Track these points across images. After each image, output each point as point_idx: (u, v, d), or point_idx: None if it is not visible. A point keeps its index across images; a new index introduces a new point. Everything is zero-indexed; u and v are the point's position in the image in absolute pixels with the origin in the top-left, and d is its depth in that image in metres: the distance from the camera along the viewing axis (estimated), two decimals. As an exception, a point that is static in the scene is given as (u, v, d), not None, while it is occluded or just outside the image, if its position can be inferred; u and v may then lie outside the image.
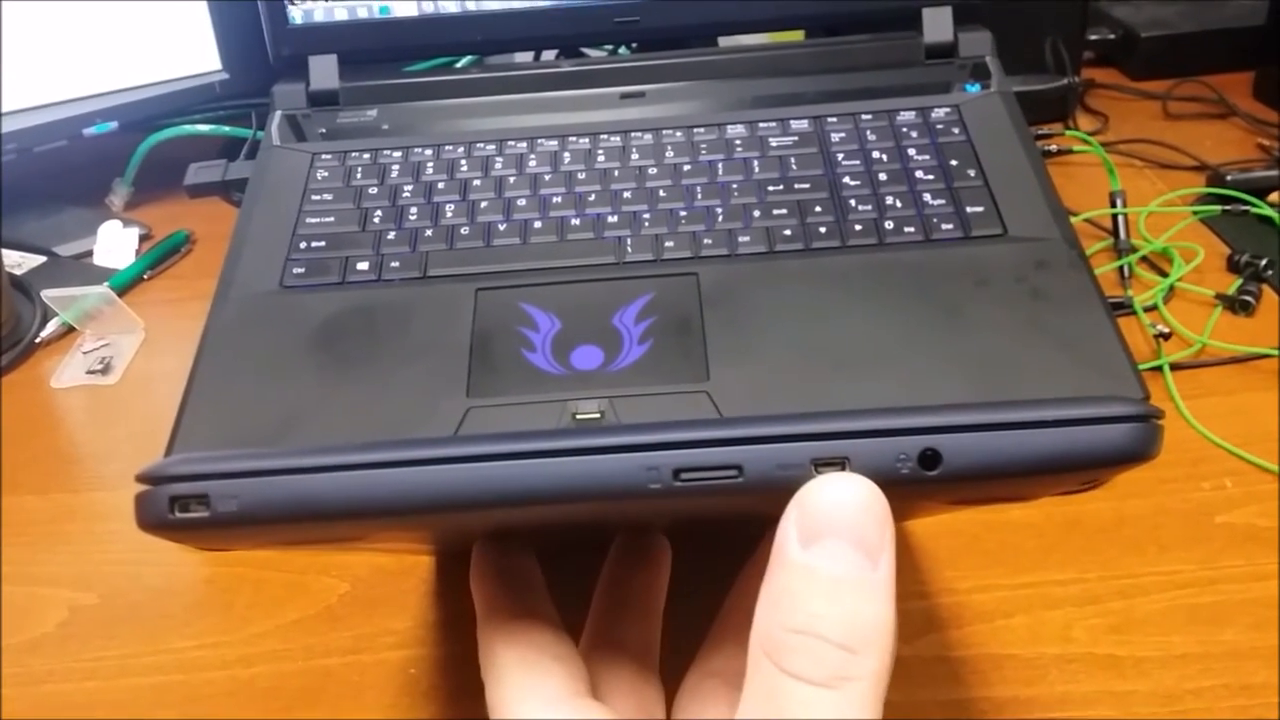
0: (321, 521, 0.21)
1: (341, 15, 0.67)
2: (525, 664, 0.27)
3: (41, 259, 0.74)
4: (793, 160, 0.58)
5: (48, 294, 0.64)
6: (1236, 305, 0.59)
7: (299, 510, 0.20)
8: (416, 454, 0.20)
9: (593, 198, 0.57)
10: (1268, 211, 0.66)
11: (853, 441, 0.20)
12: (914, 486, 0.20)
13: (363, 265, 0.55)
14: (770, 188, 0.57)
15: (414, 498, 0.20)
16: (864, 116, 0.61)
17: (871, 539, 0.20)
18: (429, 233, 0.56)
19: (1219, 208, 0.67)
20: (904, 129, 0.60)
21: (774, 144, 0.59)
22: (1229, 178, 0.69)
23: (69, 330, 0.66)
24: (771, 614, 0.21)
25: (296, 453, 0.21)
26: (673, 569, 0.35)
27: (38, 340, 0.65)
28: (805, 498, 0.20)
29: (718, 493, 0.20)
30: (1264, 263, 0.61)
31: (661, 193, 0.57)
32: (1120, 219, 0.65)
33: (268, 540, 0.25)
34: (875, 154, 0.58)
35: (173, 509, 0.21)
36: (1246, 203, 0.67)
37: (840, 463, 0.20)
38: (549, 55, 0.80)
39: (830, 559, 0.20)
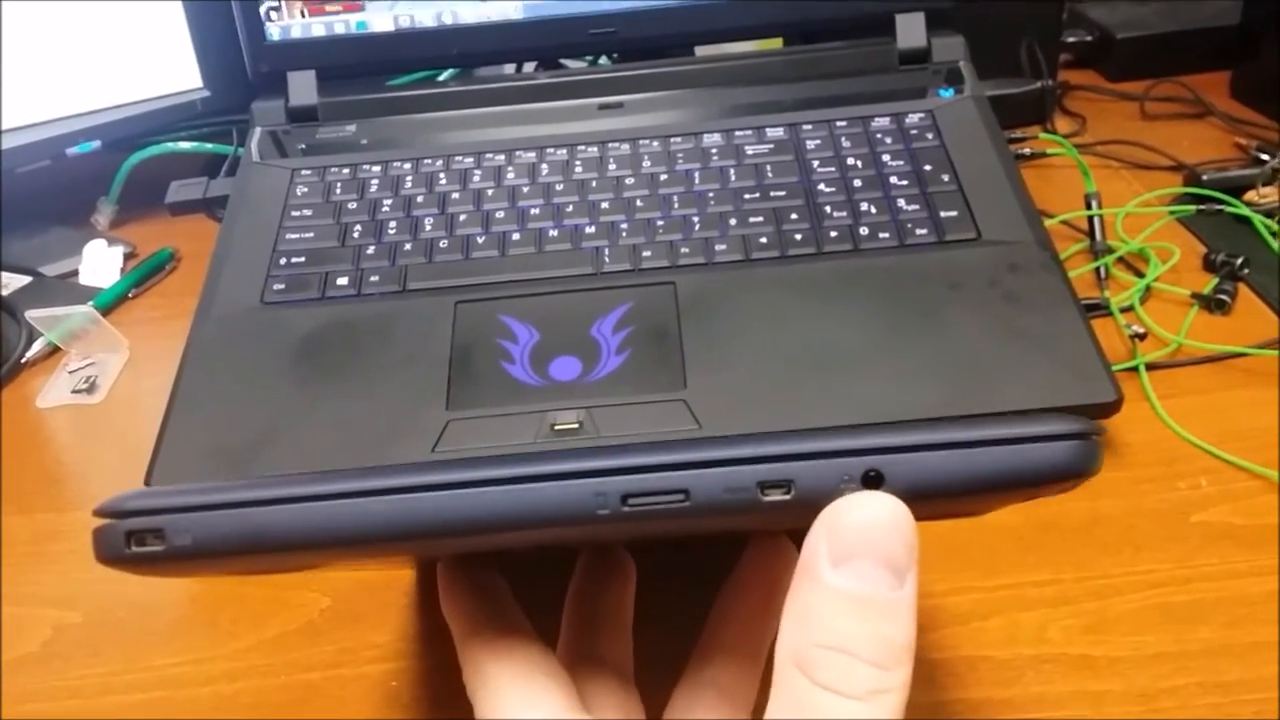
0: (272, 553, 0.21)
1: (319, 31, 0.68)
2: (521, 681, 0.27)
3: (27, 279, 0.75)
4: (769, 168, 0.59)
5: (32, 314, 0.65)
6: (1212, 304, 0.59)
7: (250, 543, 0.21)
8: (364, 485, 0.21)
9: (570, 209, 0.58)
10: (1243, 210, 0.66)
11: (798, 464, 0.20)
12: None
13: (342, 280, 0.55)
14: (746, 196, 0.57)
15: (361, 529, 0.21)
16: (839, 123, 0.61)
17: (900, 559, 0.21)
18: (408, 246, 0.57)
19: (1195, 208, 0.68)
20: (878, 135, 0.60)
21: (750, 152, 0.60)
22: (1205, 177, 0.69)
23: (54, 350, 0.66)
24: (802, 631, 0.21)
25: (247, 486, 0.21)
26: (655, 580, 0.35)
27: (23, 360, 0.65)
28: (835, 517, 0.21)
29: (665, 516, 0.21)
30: (1239, 261, 0.61)
31: (639, 203, 0.58)
32: (1096, 220, 0.65)
33: (226, 570, 0.25)
34: (850, 160, 0.59)
35: (129, 543, 0.21)
36: (1223, 202, 0.67)
37: (786, 485, 0.20)
38: (529, 68, 0.81)
39: (861, 579, 0.21)
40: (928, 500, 0.20)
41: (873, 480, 0.20)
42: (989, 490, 0.20)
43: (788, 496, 0.20)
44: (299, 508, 0.21)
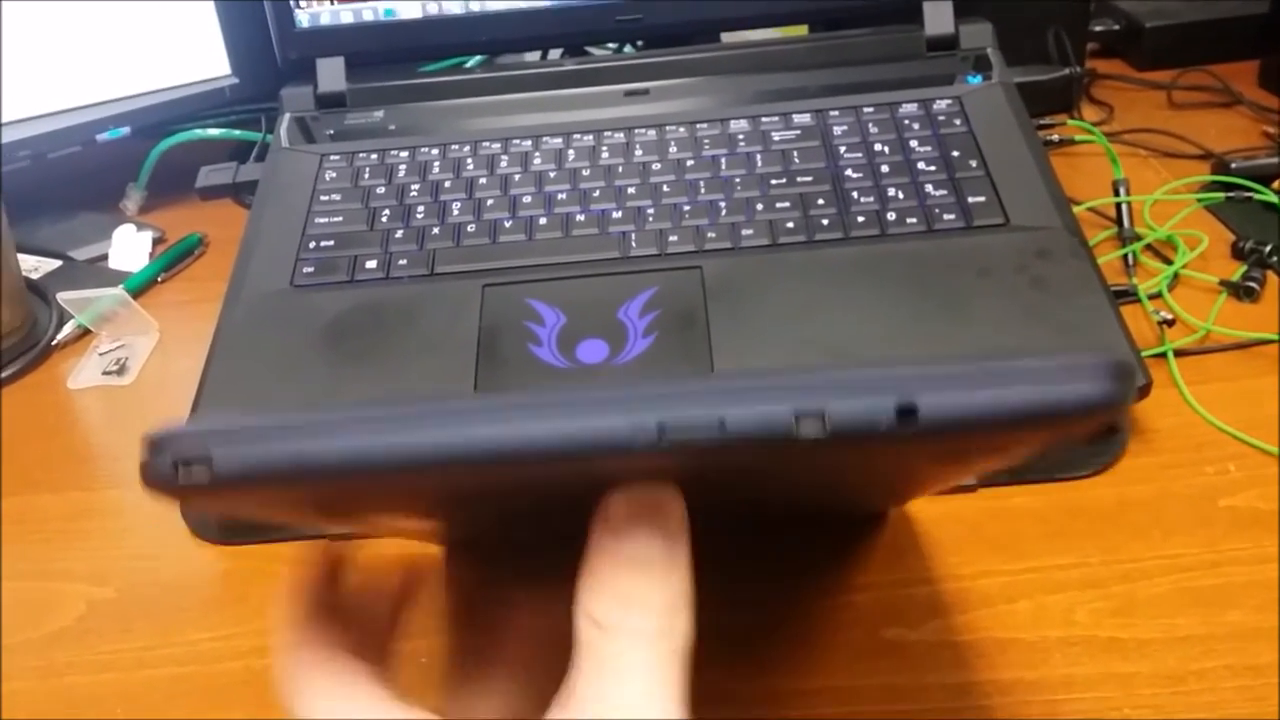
0: (319, 480, 0.21)
1: (347, 18, 0.68)
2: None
3: (57, 263, 0.75)
4: (795, 154, 0.59)
5: (63, 297, 0.65)
6: (1241, 291, 0.59)
7: (298, 470, 0.21)
8: (411, 412, 0.21)
9: (597, 194, 0.58)
10: (1272, 198, 0.66)
11: (833, 395, 0.21)
12: (892, 439, 0.21)
13: (371, 264, 0.56)
14: (773, 181, 0.57)
15: (407, 456, 0.21)
16: (866, 109, 0.61)
17: (672, 528, 0.24)
18: (436, 231, 0.57)
19: (1223, 195, 0.68)
20: (906, 121, 0.60)
21: (776, 138, 0.60)
22: (1233, 165, 0.69)
23: (85, 333, 0.67)
24: (597, 590, 0.24)
25: (296, 417, 0.21)
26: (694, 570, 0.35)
27: (54, 343, 0.66)
28: (610, 504, 0.24)
29: (701, 447, 0.21)
30: (1268, 249, 0.61)
31: (665, 188, 0.58)
32: (1124, 207, 0.65)
33: (273, 508, 0.25)
34: (877, 146, 0.59)
35: (176, 470, 0.21)
36: (1251, 190, 0.67)
37: (820, 416, 0.20)
38: (555, 54, 0.81)
39: (641, 545, 0.24)
40: (962, 433, 0.21)
41: (907, 412, 0.20)
42: (1023, 422, 0.20)
43: (822, 427, 0.20)
44: (346, 435, 0.21)
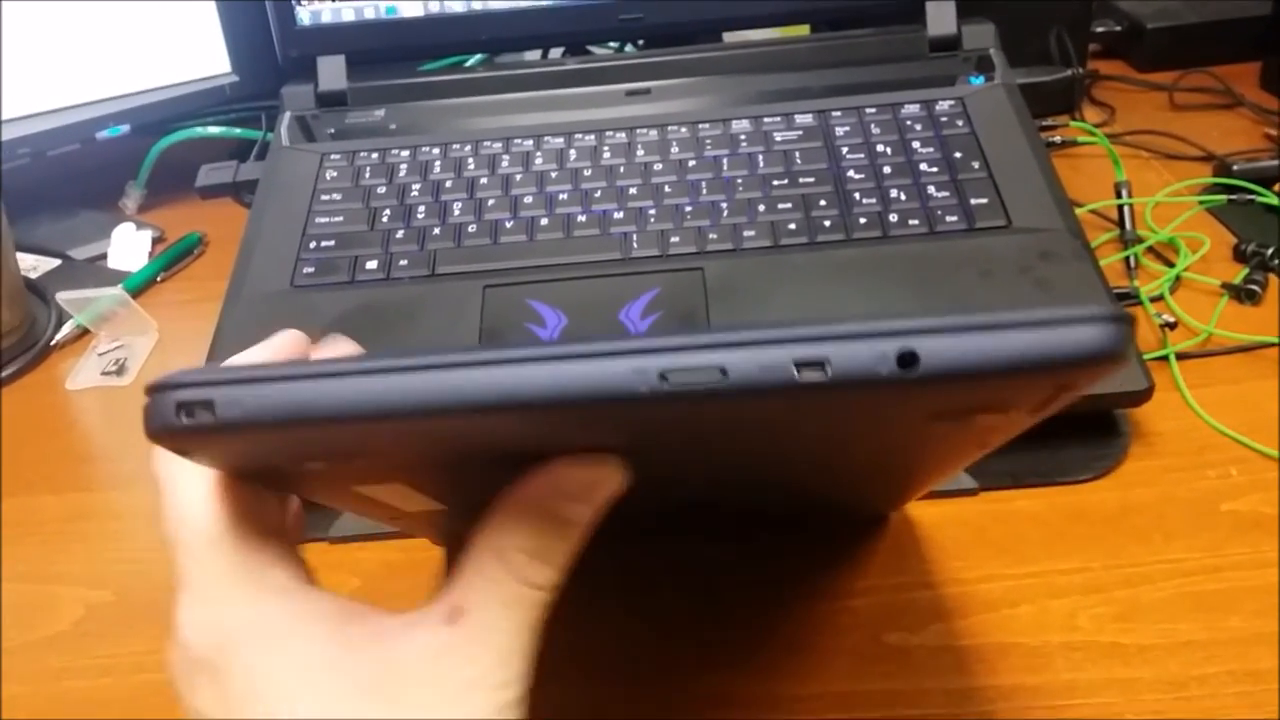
0: (324, 424, 0.21)
1: (349, 16, 0.68)
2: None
3: (56, 262, 0.75)
4: (797, 155, 0.59)
5: (62, 297, 0.65)
6: (1243, 294, 0.59)
7: (301, 414, 0.21)
8: (414, 361, 0.21)
9: (599, 194, 0.58)
10: (1274, 201, 0.66)
11: (833, 343, 0.21)
12: (893, 388, 0.21)
13: (372, 264, 0.56)
14: (775, 182, 0.57)
15: (409, 401, 0.21)
16: (868, 110, 0.61)
17: (597, 508, 0.26)
18: (437, 231, 0.57)
19: (1225, 197, 0.67)
20: (908, 122, 0.60)
21: (779, 139, 0.60)
22: (1235, 167, 0.69)
23: (84, 333, 0.67)
24: (504, 534, 0.26)
25: (299, 364, 0.21)
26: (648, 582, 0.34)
27: (53, 343, 0.66)
28: (560, 468, 0.25)
29: (702, 395, 0.21)
30: (1270, 252, 0.61)
31: (667, 189, 0.58)
32: (1125, 209, 0.65)
33: (280, 456, 0.25)
34: (879, 147, 0.58)
35: (179, 414, 0.21)
36: (1253, 192, 0.67)
37: (822, 364, 0.20)
38: (556, 53, 0.81)
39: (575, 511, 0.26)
40: (963, 382, 0.21)
41: (907, 360, 0.20)
42: (1023, 370, 0.20)
43: (824, 375, 0.20)
44: (349, 380, 0.21)
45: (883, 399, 0.22)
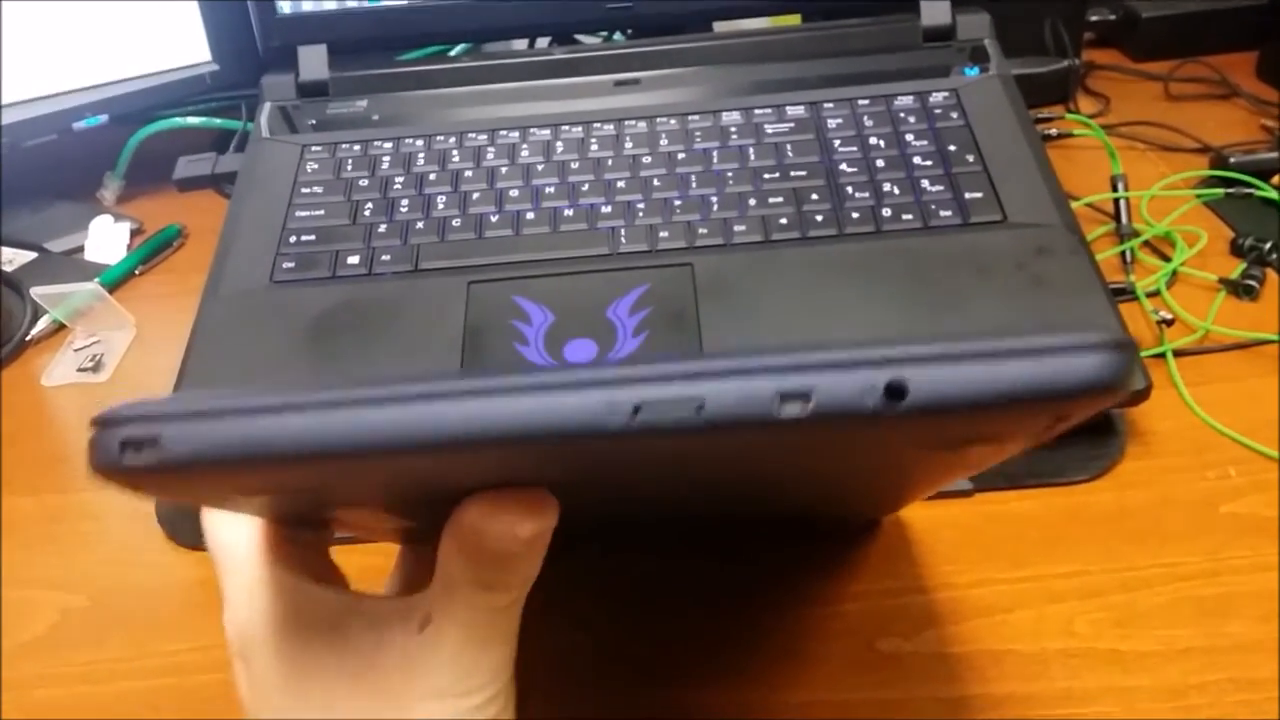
0: (273, 464, 0.20)
1: (330, 4, 0.66)
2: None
3: (32, 255, 0.74)
4: (789, 147, 0.57)
5: (37, 291, 0.64)
6: (1240, 290, 0.58)
7: (250, 453, 0.20)
8: (370, 394, 0.20)
9: (586, 188, 0.57)
10: (1272, 194, 0.65)
11: (818, 374, 0.19)
12: (881, 420, 0.19)
13: (353, 259, 0.54)
14: (766, 176, 0.56)
15: (365, 438, 0.20)
16: (861, 102, 0.60)
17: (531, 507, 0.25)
18: (420, 225, 0.56)
19: (1222, 190, 0.66)
20: (901, 114, 0.59)
21: (770, 131, 0.59)
22: (1232, 160, 0.68)
23: (60, 327, 0.65)
24: (445, 562, 0.26)
25: (250, 395, 0.20)
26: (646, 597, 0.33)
27: (28, 338, 0.64)
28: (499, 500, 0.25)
29: (678, 429, 0.19)
30: (1268, 246, 0.60)
31: (656, 182, 0.56)
32: (1121, 203, 0.64)
33: (227, 493, 0.24)
34: (872, 140, 0.57)
35: (124, 451, 0.20)
36: (1250, 185, 0.66)
37: (805, 396, 0.19)
38: (543, 43, 0.79)
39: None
40: (953, 413, 0.19)
41: (896, 391, 0.19)
42: (1017, 401, 0.19)
43: (807, 408, 0.19)
44: (303, 416, 0.20)
45: (870, 430, 0.20)
